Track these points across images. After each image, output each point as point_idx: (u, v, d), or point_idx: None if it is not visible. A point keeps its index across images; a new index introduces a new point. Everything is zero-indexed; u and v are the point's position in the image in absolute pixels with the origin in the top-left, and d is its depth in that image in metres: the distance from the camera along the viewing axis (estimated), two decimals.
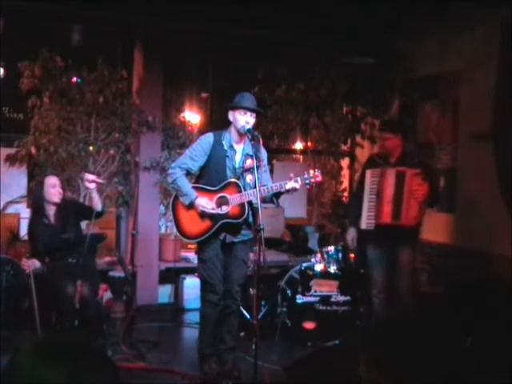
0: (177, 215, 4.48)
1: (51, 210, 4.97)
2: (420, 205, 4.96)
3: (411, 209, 4.94)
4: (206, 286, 4.51)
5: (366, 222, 5.10)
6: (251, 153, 4.34)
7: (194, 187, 4.43)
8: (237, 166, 4.43)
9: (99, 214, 5.00)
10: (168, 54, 6.59)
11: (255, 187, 4.19)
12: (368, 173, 5.16)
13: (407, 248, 5.07)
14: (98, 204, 4.88)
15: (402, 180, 4.96)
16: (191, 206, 4.38)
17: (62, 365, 1.24)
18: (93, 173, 5.02)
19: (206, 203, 4.34)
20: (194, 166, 4.44)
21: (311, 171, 4.35)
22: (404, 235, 5.01)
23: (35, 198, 5.12)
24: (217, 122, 7.35)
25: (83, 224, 5.28)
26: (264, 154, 4.53)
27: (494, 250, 5.68)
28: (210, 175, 4.44)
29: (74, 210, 5.04)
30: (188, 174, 4.49)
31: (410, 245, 5.09)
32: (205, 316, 4.56)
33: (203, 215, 4.38)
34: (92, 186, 4.80)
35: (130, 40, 6.64)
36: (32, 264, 4.73)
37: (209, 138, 4.47)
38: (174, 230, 4.66)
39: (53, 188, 4.92)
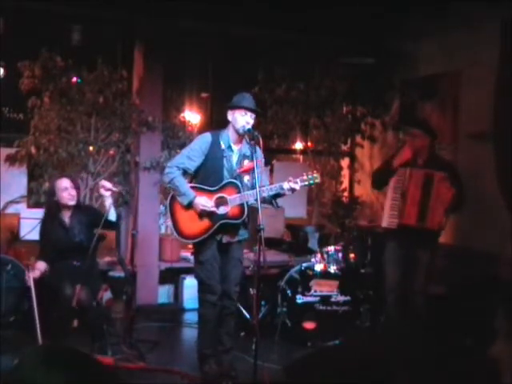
0: (174, 215, 4.44)
1: (66, 213, 4.85)
2: (445, 209, 4.90)
3: (437, 213, 4.88)
4: (203, 287, 4.49)
5: (388, 220, 5.02)
6: (248, 154, 4.34)
7: (191, 187, 4.41)
8: (234, 166, 4.42)
9: (112, 224, 4.89)
10: (168, 54, 6.59)
11: (253, 187, 4.18)
12: None
13: (427, 251, 5.02)
14: (111, 213, 4.79)
15: (430, 183, 4.88)
16: (190, 205, 4.36)
17: (61, 374, 1.27)
18: (109, 181, 4.92)
19: (205, 202, 4.32)
20: (192, 166, 4.41)
21: (310, 173, 4.34)
22: (425, 238, 4.96)
23: (48, 203, 5.00)
24: (217, 122, 7.36)
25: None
26: (260, 155, 4.50)
27: (494, 250, 5.68)
28: (207, 175, 4.41)
29: (89, 214, 4.92)
30: (185, 173, 4.45)
31: (429, 248, 5.04)
32: (203, 316, 4.55)
33: (202, 215, 4.36)
34: (107, 194, 4.74)
35: (130, 40, 6.64)
36: (37, 270, 4.68)
37: (206, 137, 4.46)
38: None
39: (64, 191, 4.78)
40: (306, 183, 4.29)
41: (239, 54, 7.44)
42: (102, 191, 4.76)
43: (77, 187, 4.96)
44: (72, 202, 4.83)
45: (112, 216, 4.83)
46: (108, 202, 4.78)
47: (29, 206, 6.24)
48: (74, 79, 6.31)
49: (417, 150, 5.04)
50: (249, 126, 4.33)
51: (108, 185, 4.76)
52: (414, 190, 4.93)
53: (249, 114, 4.36)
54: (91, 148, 6.36)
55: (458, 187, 4.94)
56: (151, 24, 6.38)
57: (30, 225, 5.63)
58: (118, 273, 5.79)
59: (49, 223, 4.85)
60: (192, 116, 8.20)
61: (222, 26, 6.56)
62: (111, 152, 6.50)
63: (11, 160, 6.21)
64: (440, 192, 4.86)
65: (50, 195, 4.91)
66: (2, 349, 4.20)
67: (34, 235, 5.60)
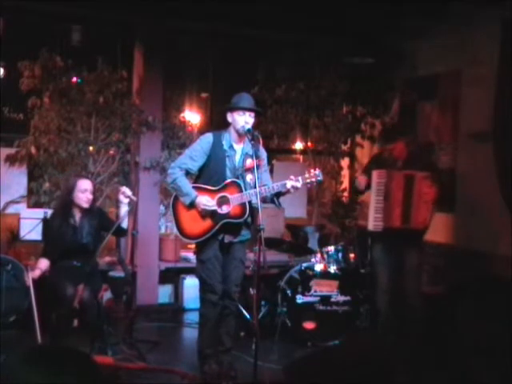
0: (177, 215, 4.46)
1: (77, 213, 4.85)
2: (429, 208, 4.92)
3: (421, 212, 4.90)
4: (205, 287, 4.50)
5: (373, 223, 5.04)
6: (251, 153, 4.34)
7: (194, 187, 4.42)
8: (237, 165, 4.43)
9: (124, 231, 4.93)
10: (168, 54, 6.59)
11: (255, 187, 4.18)
12: (375, 173, 5.05)
13: (414, 250, 5.05)
14: (124, 220, 4.82)
15: (411, 183, 4.90)
16: (192, 205, 4.36)
17: (60, 374, 1.27)
18: (129, 188, 4.94)
19: (206, 201, 4.33)
20: (194, 166, 4.43)
21: (312, 170, 4.34)
22: (412, 238, 4.99)
23: (62, 200, 5.00)
24: (217, 122, 7.35)
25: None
26: (263, 153, 4.53)
27: (493, 249, 5.67)
28: (210, 175, 4.43)
29: (98, 217, 4.92)
30: (187, 174, 4.47)
31: (416, 247, 5.07)
32: (204, 316, 4.56)
33: (204, 215, 4.37)
34: (126, 201, 4.77)
35: (130, 40, 6.64)
36: (38, 269, 4.68)
37: (208, 138, 4.47)
38: (175, 229, 4.66)
39: (83, 193, 4.79)
40: (308, 181, 4.29)
41: (239, 54, 7.44)
42: (122, 197, 4.78)
43: (94, 191, 4.98)
44: (86, 205, 4.83)
45: (125, 224, 4.87)
46: (124, 209, 4.80)
47: (29, 206, 6.24)
48: (74, 79, 6.31)
49: (395, 156, 5.08)
50: (248, 126, 4.33)
51: (128, 192, 4.78)
52: (396, 193, 4.95)
53: (247, 113, 4.36)
54: (91, 148, 6.36)
55: (441, 184, 4.97)
56: (151, 24, 6.38)
57: (30, 225, 5.64)
58: (118, 273, 5.79)
59: (58, 221, 4.83)
60: (192, 116, 8.18)
61: (222, 26, 6.56)
62: (111, 152, 6.51)
63: (11, 160, 6.21)
64: (422, 192, 4.89)
65: (67, 193, 4.89)
66: (1, 349, 4.20)
67: (34, 235, 5.61)
